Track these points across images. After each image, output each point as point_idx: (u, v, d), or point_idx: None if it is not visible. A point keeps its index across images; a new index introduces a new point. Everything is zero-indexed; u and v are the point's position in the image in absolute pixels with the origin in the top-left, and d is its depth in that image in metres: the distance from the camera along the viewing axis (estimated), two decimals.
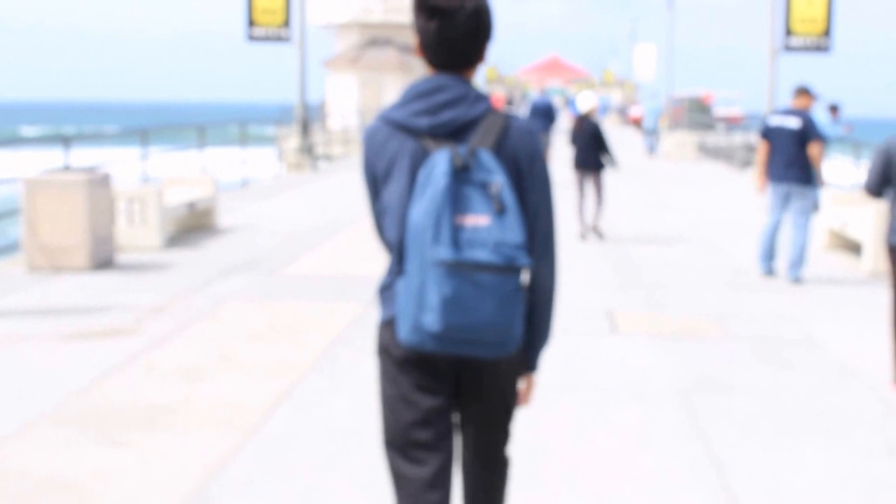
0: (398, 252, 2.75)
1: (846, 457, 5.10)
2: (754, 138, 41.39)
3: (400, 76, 48.95)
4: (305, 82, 25.01)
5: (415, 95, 2.74)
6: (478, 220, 2.57)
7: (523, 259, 2.59)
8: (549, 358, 6.69)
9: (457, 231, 2.56)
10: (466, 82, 2.76)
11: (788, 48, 22.27)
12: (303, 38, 24.59)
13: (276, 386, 6.09)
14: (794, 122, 10.01)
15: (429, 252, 2.56)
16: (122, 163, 14.74)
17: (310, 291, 9.14)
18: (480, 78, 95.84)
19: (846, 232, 11.65)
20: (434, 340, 2.60)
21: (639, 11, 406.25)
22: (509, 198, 2.61)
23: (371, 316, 8.06)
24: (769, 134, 10.18)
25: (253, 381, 6.18)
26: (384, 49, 50.01)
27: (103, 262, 10.21)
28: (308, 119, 25.19)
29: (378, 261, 10.81)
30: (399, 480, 2.86)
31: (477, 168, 2.62)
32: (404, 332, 2.64)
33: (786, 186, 10.11)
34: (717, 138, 40.02)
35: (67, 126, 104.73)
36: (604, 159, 12.75)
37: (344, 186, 20.02)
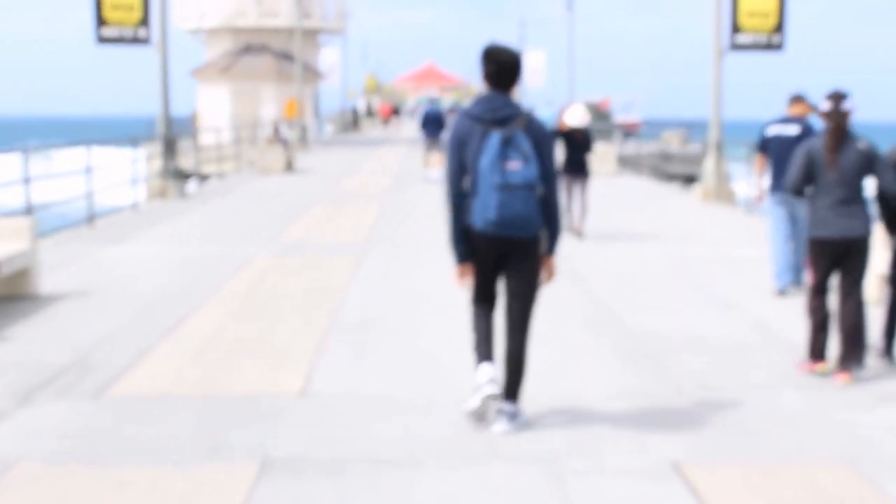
0: (472, 183, 5.39)
1: None
2: (668, 145, 38.81)
3: (277, 85, 44.80)
4: (169, 92, 20.93)
5: (483, 101, 5.48)
6: (515, 164, 5.31)
7: (537, 183, 5.37)
8: None
9: (504, 170, 5.29)
10: (509, 96, 5.49)
11: (736, 46, 19.24)
12: (164, 38, 20.54)
13: None
14: (793, 129, 9.88)
15: (490, 180, 5.27)
16: None
17: (159, 438, 5.39)
18: (359, 87, 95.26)
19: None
20: (493, 226, 5.32)
21: (534, 15, 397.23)
22: (531, 155, 5.35)
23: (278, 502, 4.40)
24: (767, 144, 10.02)
25: None
26: (260, 56, 45.65)
27: None
28: (173, 136, 21.09)
29: (266, 357, 7.11)
30: (473, 315, 5.69)
31: (515, 140, 5.34)
32: (478, 223, 5.35)
33: (788, 195, 8.95)
34: (627, 147, 37.26)
35: None
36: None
37: (219, 219, 16.10)
